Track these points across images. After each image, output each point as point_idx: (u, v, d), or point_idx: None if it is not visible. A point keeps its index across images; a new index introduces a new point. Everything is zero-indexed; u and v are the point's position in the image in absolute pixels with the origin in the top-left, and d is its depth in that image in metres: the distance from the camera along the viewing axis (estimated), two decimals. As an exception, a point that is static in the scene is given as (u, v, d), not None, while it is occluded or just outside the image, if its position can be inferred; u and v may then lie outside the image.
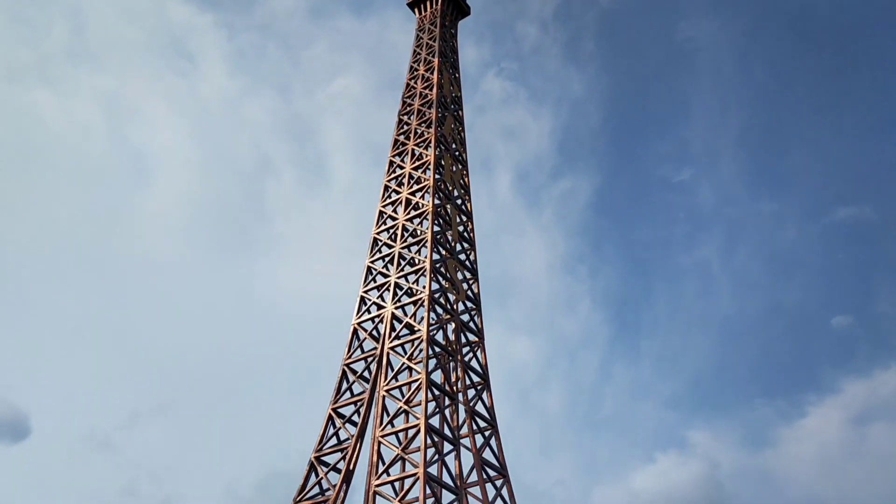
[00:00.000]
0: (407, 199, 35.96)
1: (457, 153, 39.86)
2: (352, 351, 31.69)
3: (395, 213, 36.04)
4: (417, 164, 37.24)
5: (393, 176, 37.81)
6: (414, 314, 31.07)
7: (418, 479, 22.28)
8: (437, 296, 31.77)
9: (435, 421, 27.33)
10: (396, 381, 28.67)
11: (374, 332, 31.79)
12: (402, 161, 38.06)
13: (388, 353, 30.08)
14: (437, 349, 30.49)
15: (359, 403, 29.42)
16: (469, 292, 34.85)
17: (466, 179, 39.65)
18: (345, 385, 30.60)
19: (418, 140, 38.62)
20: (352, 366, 31.22)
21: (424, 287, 31.39)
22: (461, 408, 30.56)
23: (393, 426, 26.92)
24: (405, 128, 39.76)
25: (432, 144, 37.31)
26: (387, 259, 34.25)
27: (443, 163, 37.75)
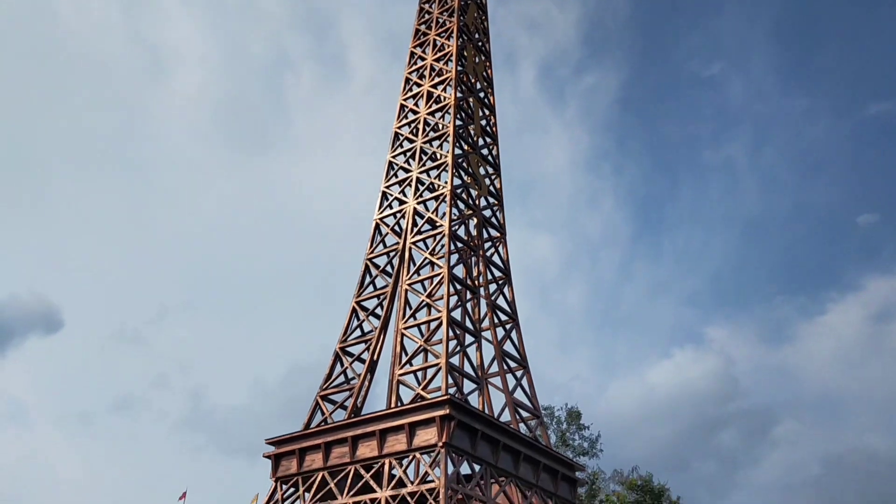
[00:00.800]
0: (428, 91, 35.18)
1: (480, 43, 38.72)
2: (374, 246, 31.76)
3: (417, 106, 35.34)
4: (439, 55, 36.24)
5: (414, 68, 36.91)
6: (436, 209, 30.88)
7: (440, 369, 22.55)
8: (458, 191, 31.47)
9: (457, 314, 27.56)
10: (418, 275, 28.79)
11: (396, 228, 31.75)
12: (424, 52, 37.07)
13: (409, 248, 30.09)
14: (459, 244, 30.44)
15: (382, 297, 29.69)
16: (491, 188, 34.50)
17: (489, 71, 38.64)
18: (368, 279, 30.82)
19: (440, 30, 37.47)
20: (374, 260, 31.35)
21: (446, 182, 31.07)
22: (482, 301, 30.77)
23: (415, 319, 27.19)
24: (426, 17, 38.57)
25: (454, 34, 36.21)
26: (408, 154, 33.83)
27: (465, 53, 36.70)
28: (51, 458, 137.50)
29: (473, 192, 33.09)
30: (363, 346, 28.27)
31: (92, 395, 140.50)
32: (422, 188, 31.91)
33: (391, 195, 32.90)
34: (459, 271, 29.20)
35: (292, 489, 18.19)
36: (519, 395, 27.21)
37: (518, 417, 23.52)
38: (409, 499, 12.53)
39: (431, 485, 11.61)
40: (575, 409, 55.47)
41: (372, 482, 14.89)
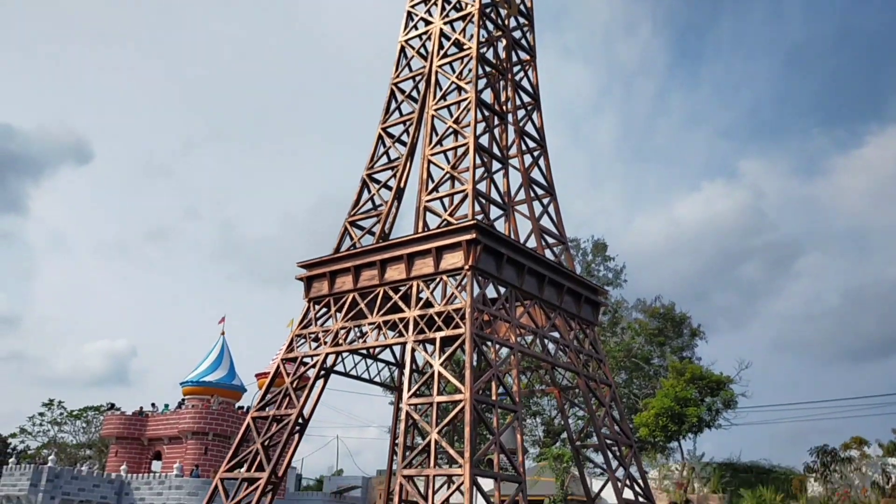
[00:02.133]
0: None
1: None
2: (399, 70, 30.93)
3: (443, -82, 33.18)
4: None
5: None
6: (463, 30, 29.73)
7: (467, 195, 22.63)
8: (487, 10, 30.15)
9: (484, 140, 27.26)
10: (445, 100, 28.20)
11: (422, 51, 30.75)
12: None
13: (436, 72, 29.29)
14: (487, 68, 29.57)
15: (408, 123, 29.32)
16: (521, 6, 32.97)
17: None
18: (393, 105, 30.31)
19: None
20: (400, 85, 30.67)
21: (474, 0, 29.70)
22: (510, 128, 30.33)
23: (442, 145, 26.95)
24: None
25: None
26: (434, -30, 32.16)
27: None
28: (93, 285, 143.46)
29: (503, 12, 31.67)
30: (390, 172, 28.28)
31: (126, 225, 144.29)
32: (448, 7, 30.55)
33: (416, 15, 31.61)
34: (487, 96, 28.56)
35: (324, 309, 18.92)
36: (545, 222, 27.38)
37: (543, 243, 23.83)
38: (436, 318, 13.02)
39: (458, 305, 12.02)
40: (601, 241, 56.16)
41: (401, 303, 15.43)
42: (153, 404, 58.69)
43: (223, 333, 59.44)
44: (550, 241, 24.96)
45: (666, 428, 38.50)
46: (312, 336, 11.84)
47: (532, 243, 24.02)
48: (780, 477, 37.64)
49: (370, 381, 13.78)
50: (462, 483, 7.96)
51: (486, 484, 13.28)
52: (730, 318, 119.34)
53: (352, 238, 21.39)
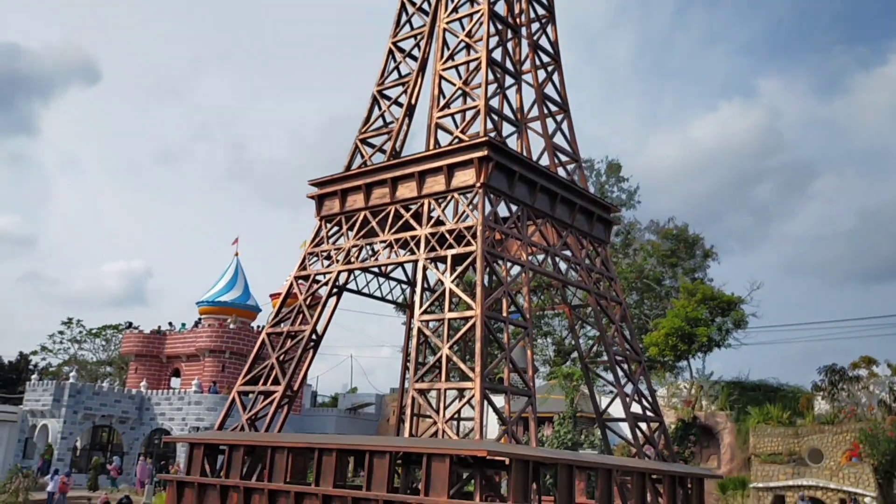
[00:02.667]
0: None
1: None
2: (410, -18, 30.03)
3: None
4: None
5: None
6: (476, -61, 28.69)
7: (479, 111, 22.22)
8: (501, -81, 29.05)
9: (497, 55, 26.62)
10: (457, 13, 27.42)
11: (434, -38, 29.78)
12: None
13: (447, -15, 28.42)
14: (501, -20, 28.65)
15: (419, 37, 28.60)
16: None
17: None
18: (404, 17, 29.53)
19: None
20: (410, -1, 29.82)
21: None
22: (524, 42, 29.57)
23: (454, 60, 26.34)
24: None
25: None
26: None
27: None
28: (106, 207, 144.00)
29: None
30: (401, 89, 27.76)
31: (136, 147, 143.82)
32: (461, -83, 29.40)
33: (428, -75, 30.48)
34: (500, 8, 27.74)
35: (336, 228, 18.88)
36: (558, 139, 26.95)
37: (556, 161, 23.54)
38: (447, 236, 12.94)
39: (469, 223, 11.92)
40: (615, 162, 55.54)
41: (412, 221, 15.35)
42: (170, 323, 59.68)
43: (237, 255, 59.91)
44: (563, 159, 24.62)
45: (675, 347, 38.86)
46: (324, 254, 11.85)
47: (545, 161, 23.71)
48: (788, 395, 38.13)
49: (382, 299, 13.87)
50: (473, 396, 8.03)
51: (497, 402, 13.44)
52: (742, 240, 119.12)
53: (363, 156, 21.18)
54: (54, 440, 48.07)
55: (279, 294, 62.02)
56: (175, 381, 57.30)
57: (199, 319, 57.59)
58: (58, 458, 46.47)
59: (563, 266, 10.89)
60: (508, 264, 10.35)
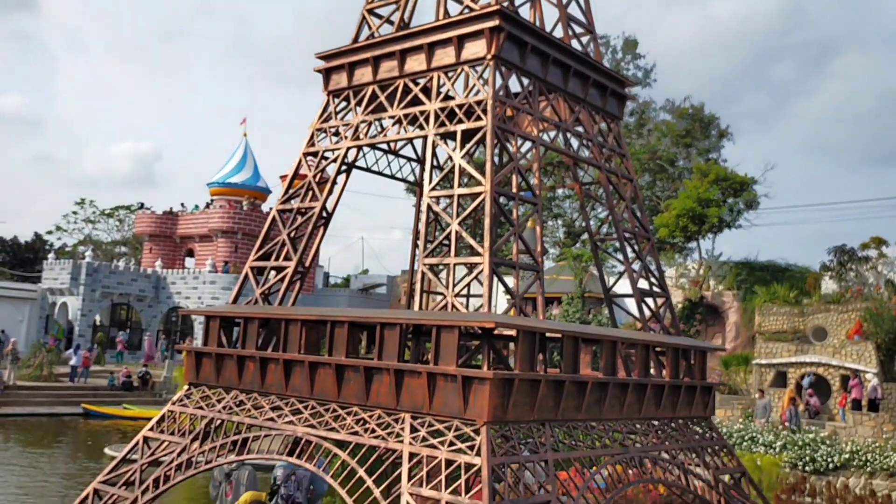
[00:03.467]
0: None
1: None
2: None
3: None
4: None
5: None
6: None
7: None
8: None
9: (510, -77, 25.31)
10: None
11: None
12: None
13: None
14: None
15: None
16: None
17: None
18: None
19: None
20: None
21: None
22: None
23: (465, -71, 25.10)
24: None
25: None
26: None
27: None
28: (113, 86, 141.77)
29: None
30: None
31: (140, 24, 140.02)
32: None
33: None
34: None
35: (344, 103, 18.59)
36: (573, 10, 25.98)
37: (570, 33, 22.78)
38: (457, 111, 12.70)
39: (479, 97, 11.67)
40: (631, 38, 53.88)
41: (421, 95, 15.04)
42: (182, 204, 60.02)
43: (245, 135, 59.46)
44: (578, 30, 23.76)
45: (686, 228, 38.93)
46: (333, 130, 11.73)
47: (558, 32, 22.96)
48: (796, 275, 38.44)
49: (392, 177, 13.78)
50: (481, 271, 8.10)
51: (507, 284, 13.60)
52: (758, 120, 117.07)
53: (370, 27, 20.55)
54: (74, 317, 49.41)
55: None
56: (189, 262, 58.19)
57: (211, 201, 57.86)
58: (79, 335, 47.93)
59: (574, 143, 10.76)
60: (519, 140, 10.22)
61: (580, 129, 11.07)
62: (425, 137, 10.13)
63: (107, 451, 24.56)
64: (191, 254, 58.62)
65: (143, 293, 52.43)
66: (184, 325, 53.63)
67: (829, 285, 35.02)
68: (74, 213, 75.57)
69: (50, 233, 75.34)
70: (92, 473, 10.48)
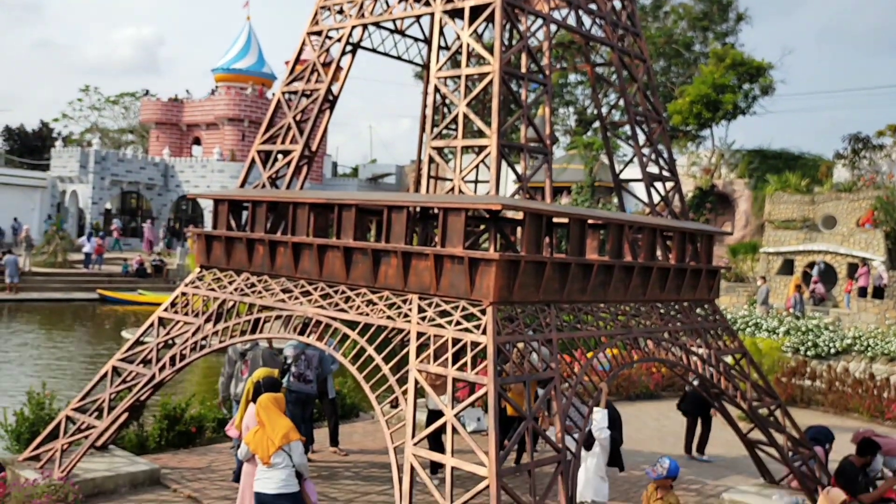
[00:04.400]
0: None
1: None
2: None
3: None
4: None
5: None
6: None
7: None
8: None
9: None
10: None
11: None
12: None
13: None
14: None
15: None
16: None
17: None
18: None
19: None
20: None
21: None
22: None
23: None
24: None
25: None
26: None
27: None
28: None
29: None
30: None
31: None
32: None
33: None
34: None
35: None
36: None
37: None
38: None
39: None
40: None
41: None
42: (188, 91, 59.21)
43: (248, 18, 57.94)
44: None
45: (699, 115, 38.29)
46: (337, 8, 11.36)
47: None
48: (809, 163, 38.05)
49: (398, 58, 13.45)
50: (489, 153, 8.03)
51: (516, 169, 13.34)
52: (778, 4, 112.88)
53: None
54: (85, 205, 49.73)
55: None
56: (196, 150, 57.95)
57: (216, 87, 57.03)
58: (90, 222, 48.35)
59: (587, 21, 10.40)
60: (530, 19, 9.89)
61: (593, 6, 10.70)
62: (432, 15, 9.84)
63: (124, 333, 25.28)
64: (198, 142, 58.31)
65: (153, 181, 52.52)
66: (194, 214, 53.98)
67: (841, 174, 34.70)
68: (79, 100, 74.84)
69: (56, 120, 74.84)
70: (110, 354, 10.82)
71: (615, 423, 9.16)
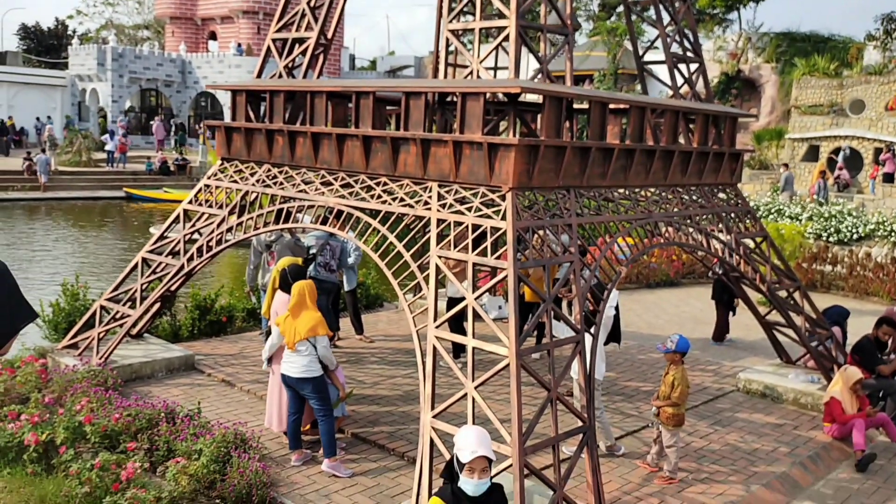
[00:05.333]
0: None
1: None
2: None
3: None
4: None
5: None
6: None
7: None
8: None
9: None
10: None
11: None
12: None
13: None
14: None
15: None
16: None
17: None
18: None
19: None
20: None
21: None
22: None
23: None
24: None
25: None
26: None
27: None
28: None
29: None
30: None
31: None
32: None
33: None
34: None
35: None
36: None
37: None
38: None
39: None
40: None
41: None
42: (200, -17, 57.87)
43: None
44: None
45: (728, -5, 36.90)
46: None
47: None
48: (838, 46, 36.79)
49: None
50: (507, 35, 7.85)
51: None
52: None
53: None
54: (105, 103, 49.65)
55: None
56: (213, 46, 57.10)
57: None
58: (111, 121, 48.36)
59: None
60: None
61: None
62: None
63: (151, 230, 25.73)
64: (213, 37, 57.40)
65: (171, 78, 52.10)
66: (213, 111, 53.74)
67: (872, 56, 33.56)
68: (94, -7, 73.39)
69: (71, 17, 73.76)
70: (139, 249, 11.08)
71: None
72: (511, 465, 6.37)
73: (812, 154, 31.15)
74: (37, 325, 11.60)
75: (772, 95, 36.65)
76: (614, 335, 9.28)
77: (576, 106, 9.66)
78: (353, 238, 8.85)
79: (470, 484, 4.38)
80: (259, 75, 11.05)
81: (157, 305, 10.81)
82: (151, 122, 49.51)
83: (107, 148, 39.93)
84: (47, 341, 11.38)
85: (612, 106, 9.58)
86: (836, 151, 29.91)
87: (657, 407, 8.16)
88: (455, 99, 8.53)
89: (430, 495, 6.48)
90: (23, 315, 1.49)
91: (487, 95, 7.85)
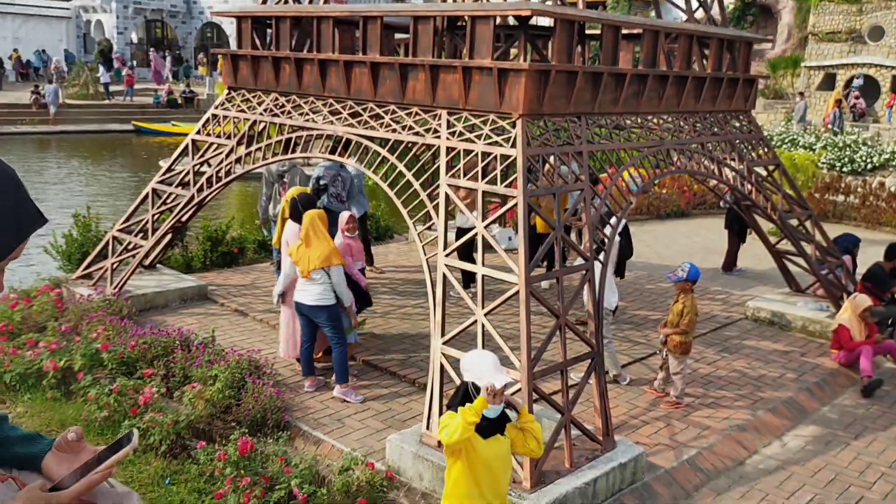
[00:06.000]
0: None
1: None
2: None
3: None
4: None
5: None
6: None
7: None
8: None
9: None
10: None
11: None
12: None
13: None
14: None
15: None
16: None
17: None
18: None
19: None
20: None
21: None
22: None
23: None
24: None
25: None
26: None
27: None
28: None
29: None
30: None
31: None
32: None
33: None
34: None
35: None
36: None
37: None
38: None
39: None
40: None
41: None
42: None
43: None
44: None
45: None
46: None
47: None
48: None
49: None
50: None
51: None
52: None
53: None
54: (110, 35, 48.97)
55: None
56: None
57: None
58: (116, 52, 47.77)
59: None
60: None
61: None
62: None
63: (161, 163, 25.67)
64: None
65: (175, 8, 51.22)
66: (219, 42, 52.96)
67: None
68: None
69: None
70: (149, 181, 11.08)
71: (626, 232, 9.30)
72: (520, 390, 6.47)
73: (828, 83, 30.56)
74: (51, 255, 11.71)
75: (788, 22, 35.77)
76: (618, 267, 9.25)
77: (588, 32, 9.46)
78: (362, 168, 8.81)
79: (490, 409, 4.60)
80: (265, 1, 10.85)
81: (169, 236, 10.87)
82: (149, 54, 48.65)
83: (102, 80, 39.34)
84: (62, 272, 11.50)
85: (624, 31, 9.38)
86: (851, 80, 29.32)
87: (664, 335, 8.22)
88: (464, 23, 8.36)
89: (440, 419, 6.60)
90: (30, 218, 1.47)
91: (497, 19, 7.69)
